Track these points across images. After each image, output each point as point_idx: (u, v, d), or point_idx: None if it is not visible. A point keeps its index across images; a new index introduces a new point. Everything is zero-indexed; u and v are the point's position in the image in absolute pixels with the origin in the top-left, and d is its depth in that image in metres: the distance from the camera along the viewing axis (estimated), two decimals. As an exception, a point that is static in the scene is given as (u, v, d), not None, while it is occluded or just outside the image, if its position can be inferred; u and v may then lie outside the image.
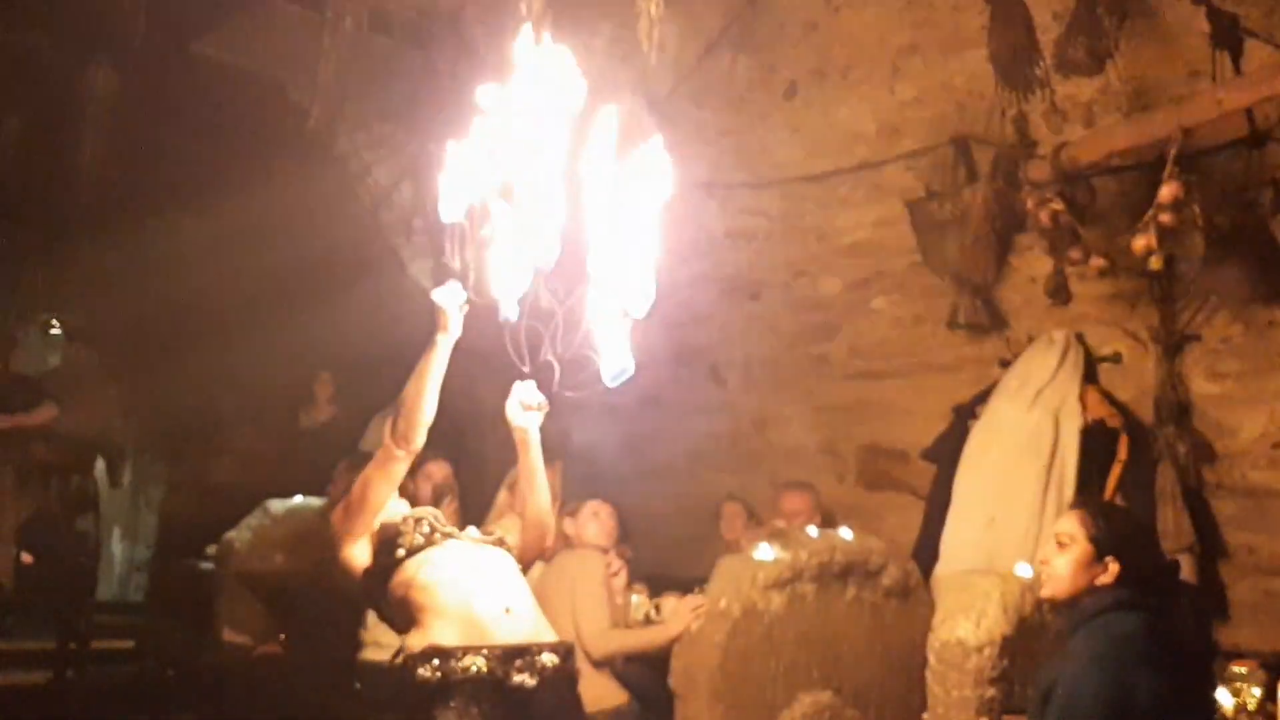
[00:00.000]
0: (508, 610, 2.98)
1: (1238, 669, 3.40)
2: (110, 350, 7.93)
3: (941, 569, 4.59)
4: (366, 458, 6.19)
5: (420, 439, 2.81)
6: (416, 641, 2.89)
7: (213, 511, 6.98)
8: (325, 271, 7.37)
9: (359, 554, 3.07)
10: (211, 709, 5.85)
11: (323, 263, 7.34)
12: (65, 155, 6.71)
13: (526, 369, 2.76)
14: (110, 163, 6.38)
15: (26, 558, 7.13)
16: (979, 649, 3.52)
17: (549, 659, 2.91)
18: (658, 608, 4.64)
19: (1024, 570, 3.82)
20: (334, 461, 6.02)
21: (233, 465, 7.80)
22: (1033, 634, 3.71)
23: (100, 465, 7.76)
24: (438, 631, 2.89)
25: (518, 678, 2.83)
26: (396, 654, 2.97)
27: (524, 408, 3.00)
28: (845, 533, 4.46)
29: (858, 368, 5.68)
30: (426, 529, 3.08)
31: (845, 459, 5.76)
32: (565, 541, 4.75)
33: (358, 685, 4.90)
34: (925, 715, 3.63)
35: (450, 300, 2.82)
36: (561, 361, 2.64)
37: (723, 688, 4.03)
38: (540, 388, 2.99)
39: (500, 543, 3.18)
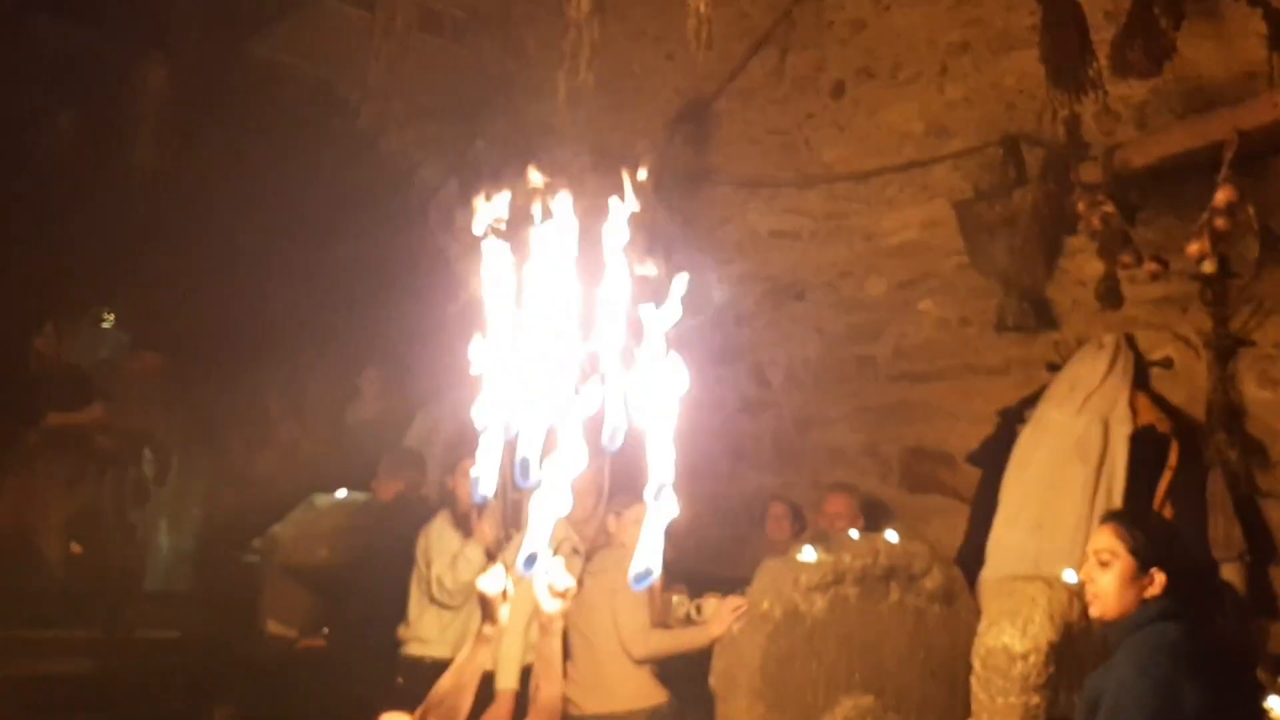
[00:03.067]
0: None
1: (1290, 678, 3.35)
2: (158, 344, 8.04)
3: (987, 574, 4.54)
4: (411, 454, 6.30)
5: None
6: None
7: (258, 504, 7.07)
8: (372, 267, 7.43)
9: None
10: (254, 701, 5.91)
11: (370, 259, 7.41)
12: (118, 150, 6.81)
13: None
14: (162, 158, 6.47)
15: (76, 548, 7.25)
16: (1024, 655, 3.48)
17: None
18: (698, 608, 4.63)
19: (1071, 577, 3.77)
20: (379, 456, 6.10)
21: (277, 458, 7.88)
22: (1079, 641, 3.67)
23: (147, 457, 7.87)
24: None
25: None
26: None
27: (552, 593, 2.71)
28: (889, 536, 4.43)
29: (903, 369, 5.64)
30: None
31: (889, 461, 5.72)
32: (607, 540, 4.75)
33: (399, 680, 4.94)
34: (969, 721, 3.60)
35: (496, 588, 2.58)
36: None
37: (763, 689, 4.02)
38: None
39: None
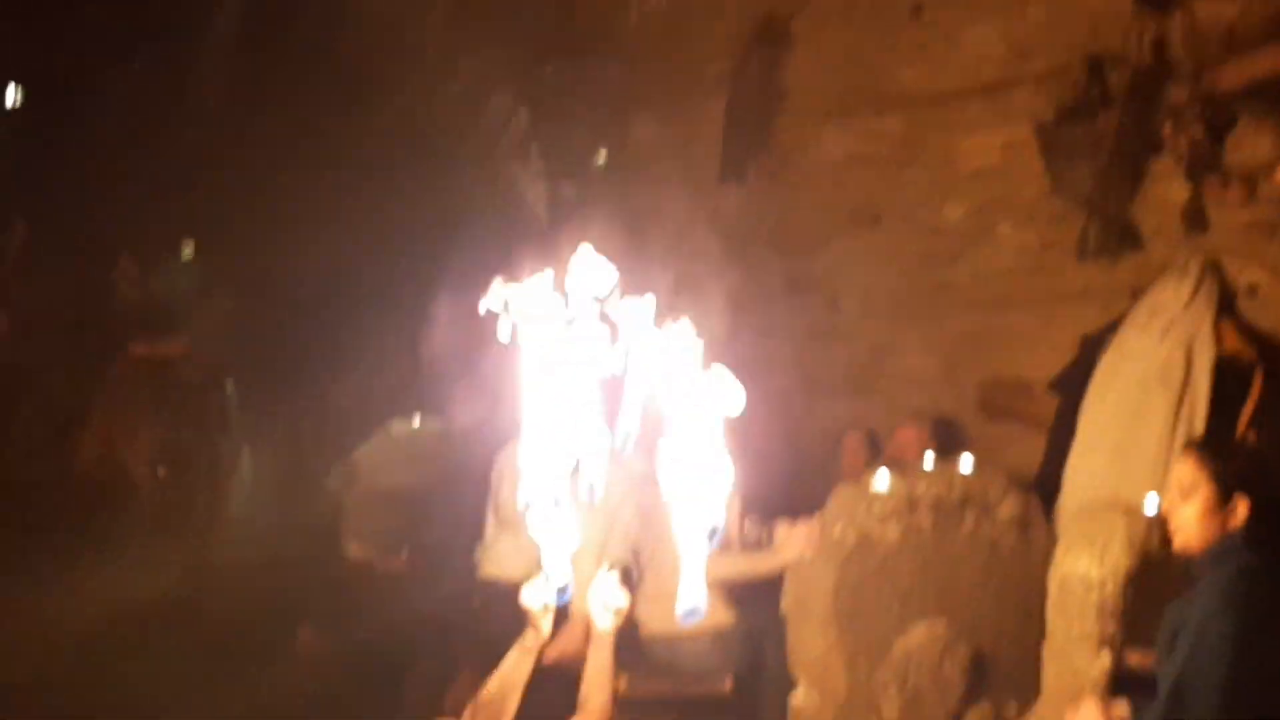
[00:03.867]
0: None
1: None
2: (235, 277, 8.17)
3: (1064, 502, 4.50)
4: (483, 382, 6.36)
5: None
6: None
7: (337, 432, 7.22)
8: (444, 199, 7.46)
9: None
10: (338, 620, 6.08)
11: (438, 188, 7.44)
12: (191, 88, 6.89)
13: None
14: (233, 95, 6.54)
15: (162, 473, 7.48)
16: (1101, 583, 3.45)
17: None
18: (770, 534, 4.65)
19: (1151, 505, 3.72)
20: (453, 385, 6.19)
21: (355, 387, 8.01)
22: (1158, 570, 3.63)
23: (229, 386, 8.05)
24: None
25: None
26: None
27: (606, 609, 2.71)
28: (964, 464, 4.40)
29: (981, 296, 5.55)
30: None
31: (965, 390, 5.66)
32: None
33: (477, 601, 5.04)
34: (1043, 649, 3.58)
35: (539, 602, 2.56)
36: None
37: (835, 615, 4.04)
38: None
39: None
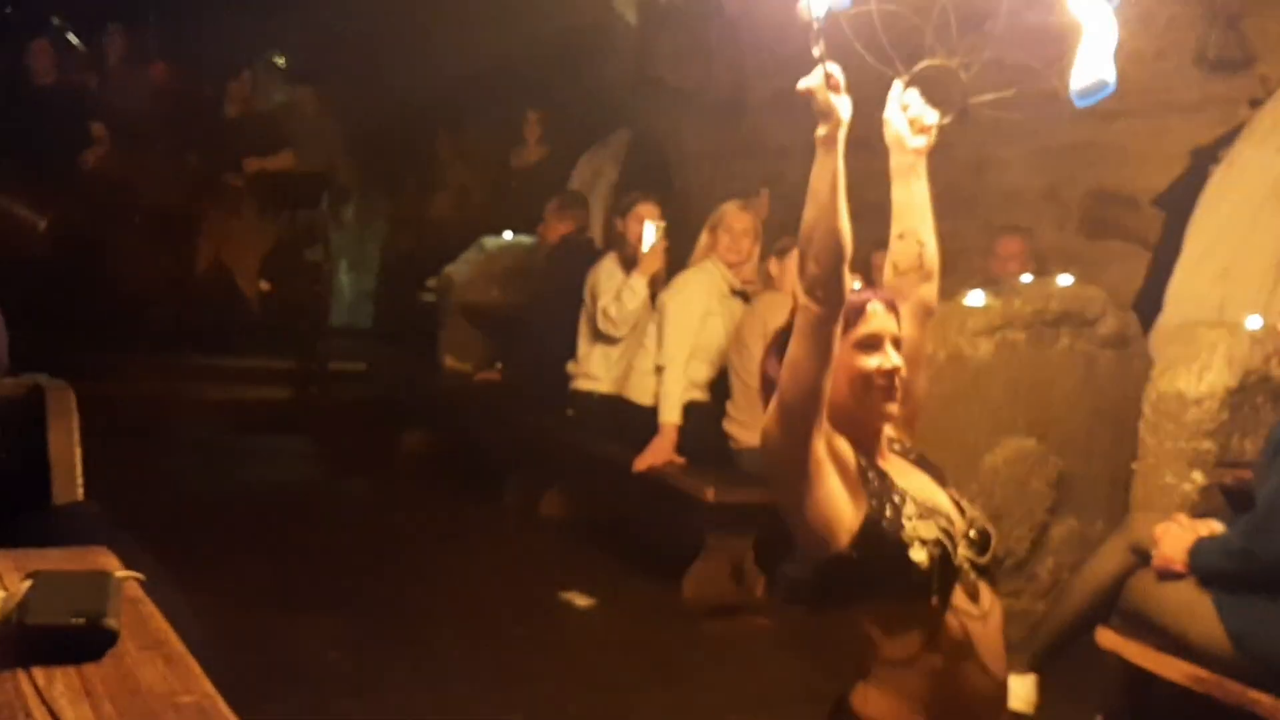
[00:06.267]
0: None
1: None
2: (332, 88, 8.18)
3: (1165, 321, 4.39)
4: (576, 196, 6.36)
5: (842, 284, 1.80)
6: None
7: (432, 246, 7.33)
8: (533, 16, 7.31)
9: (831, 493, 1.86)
10: (437, 428, 6.31)
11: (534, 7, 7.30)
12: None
13: (900, 75, 1.99)
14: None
15: (266, 285, 7.71)
16: (1198, 401, 3.40)
17: None
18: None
19: (1256, 323, 3.62)
20: (544, 200, 6.20)
21: (449, 201, 8.07)
22: (1258, 389, 3.56)
23: (328, 200, 8.18)
24: None
25: None
26: None
27: (913, 127, 2.08)
28: (1063, 281, 4.30)
29: (1088, 107, 5.31)
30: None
31: (1068, 204, 5.48)
32: (768, 283, 4.77)
33: (570, 412, 5.17)
34: (1135, 465, 3.57)
35: (815, 82, 1.78)
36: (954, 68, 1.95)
37: (924, 430, 4.05)
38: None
39: None
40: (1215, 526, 2.95)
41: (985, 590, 1.92)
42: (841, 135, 1.77)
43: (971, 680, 1.89)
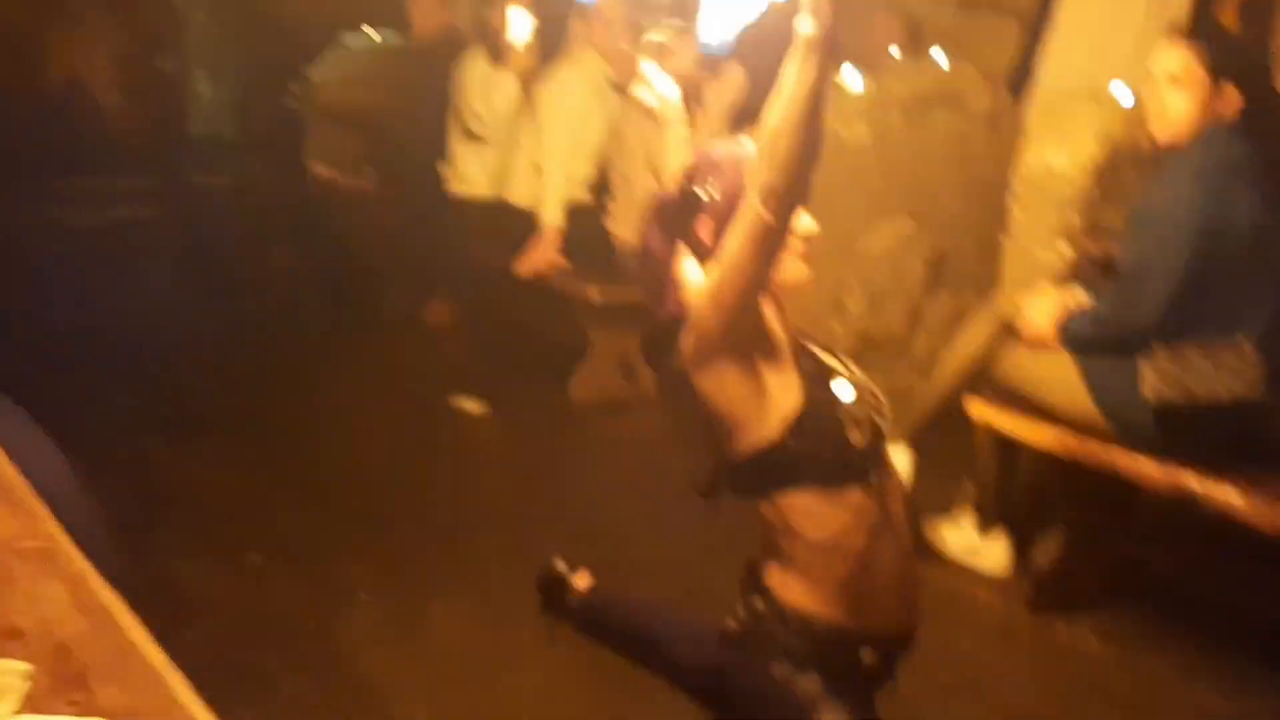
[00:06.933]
0: None
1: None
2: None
3: (1037, 95, 4.40)
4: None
5: (804, 198, 1.70)
6: None
7: (293, 49, 6.95)
8: None
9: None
10: (309, 241, 6.11)
11: None
12: None
13: None
14: None
15: (121, 98, 7.27)
16: (1067, 175, 3.44)
17: None
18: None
19: (1120, 91, 3.64)
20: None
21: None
22: (1126, 163, 3.61)
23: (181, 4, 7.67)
24: None
25: None
26: None
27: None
28: (936, 57, 4.27)
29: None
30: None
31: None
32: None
33: (446, 218, 5.04)
34: (1005, 240, 3.63)
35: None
36: None
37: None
38: None
39: None
40: (1079, 295, 3.04)
41: (893, 457, 1.91)
42: (821, 41, 1.57)
43: (889, 554, 1.86)
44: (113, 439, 3.75)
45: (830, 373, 1.83)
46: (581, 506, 3.54)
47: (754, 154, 1.78)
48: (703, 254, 1.86)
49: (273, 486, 3.57)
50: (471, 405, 4.38)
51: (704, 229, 1.86)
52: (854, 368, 1.92)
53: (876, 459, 1.83)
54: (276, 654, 2.65)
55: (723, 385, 1.81)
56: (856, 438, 1.78)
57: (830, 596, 1.83)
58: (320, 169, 6.17)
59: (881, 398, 1.89)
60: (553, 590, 2.84)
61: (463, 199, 4.98)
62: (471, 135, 4.91)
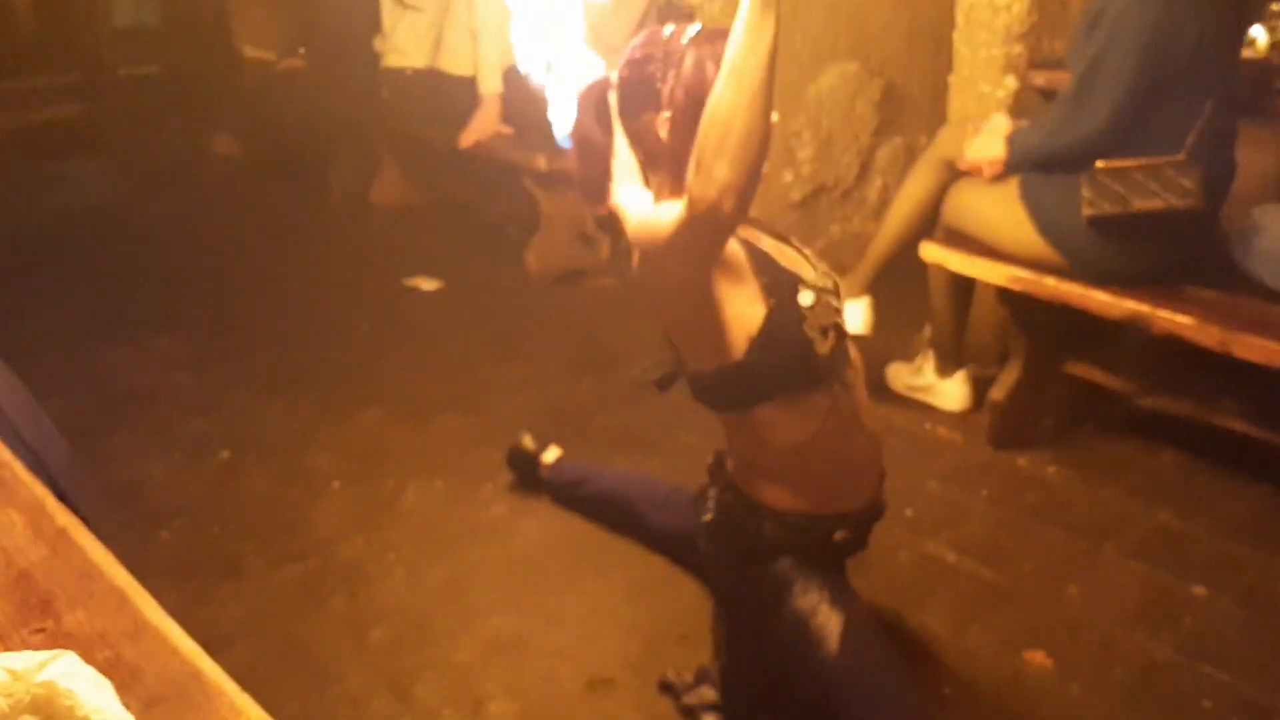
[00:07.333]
0: None
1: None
2: None
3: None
4: None
5: (754, 191, 1.54)
6: None
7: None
8: None
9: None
10: (246, 125, 5.95)
11: None
12: None
13: None
14: None
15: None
16: (1008, 6, 3.38)
17: None
18: None
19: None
20: None
21: None
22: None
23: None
24: None
25: None
26: None
27: None
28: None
29: None
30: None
31: None
32: None
33: (384, 92, 4.91)
34: (950, 78, 3.58)
35: None
36: None
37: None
38: None
39: None
40: (1021, 125, 3.02)
41: (853, 350, 1.87)
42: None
43: (858, 448, 1.86)
44: (59, 346, 3.71)
45: (791, 280, 1.76)
46: (545, 380, 3.55)
47: (712, 52, 1.70)
48: (660, 155, 1.80)
49: (233, 382, 3.55)
50: (427, 284, 4.35)
51: (661, 125, 1.80)
52: (811, 256, 1.88)
53: (841, 359, 1.81)
54: (255, 547, 2.67)
55: (678, 314, 1.77)
56: (821, 348, 1.75)
57: (800, 492, 1.84)
58: (251, 50, 5.97)
59: (839, 283, 1.86)
60: (523, 465, 2.88)
61: (398, 71, 4.84)
62: (404, 3, 4.75)
